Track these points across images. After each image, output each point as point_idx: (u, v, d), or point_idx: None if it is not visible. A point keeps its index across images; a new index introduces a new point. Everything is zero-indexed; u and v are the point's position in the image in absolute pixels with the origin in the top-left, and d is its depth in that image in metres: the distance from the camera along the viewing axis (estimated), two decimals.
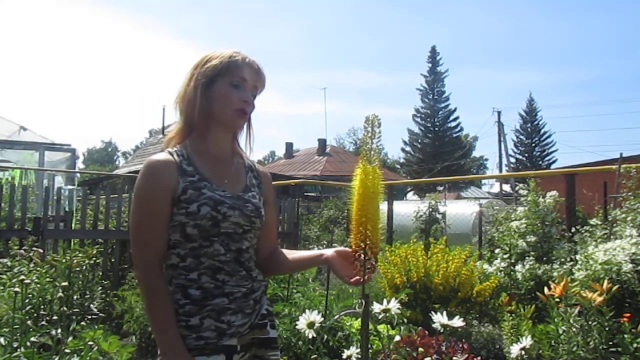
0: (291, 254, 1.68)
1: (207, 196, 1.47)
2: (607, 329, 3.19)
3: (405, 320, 3.46)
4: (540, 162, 39.89)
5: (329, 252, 1.54)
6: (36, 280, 3.36)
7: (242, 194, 1.56)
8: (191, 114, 1.54)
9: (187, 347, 1.42)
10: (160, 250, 1.47)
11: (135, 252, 1.48)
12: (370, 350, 3.14)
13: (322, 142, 30.48)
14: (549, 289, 3.45)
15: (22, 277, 3.10)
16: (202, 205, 1.45)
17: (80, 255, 3.95)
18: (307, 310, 2.70)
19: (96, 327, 3.33)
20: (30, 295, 3.23)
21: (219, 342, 1.45)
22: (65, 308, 3.46)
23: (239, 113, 1.54)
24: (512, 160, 37.39)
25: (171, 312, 1.43)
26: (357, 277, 1.45)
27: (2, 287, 3.18)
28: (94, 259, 4.29)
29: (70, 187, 9.89)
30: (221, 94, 1.53)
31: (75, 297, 3.77)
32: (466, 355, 2.47)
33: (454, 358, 2.45)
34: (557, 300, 3.38)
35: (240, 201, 1.53)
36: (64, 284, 3.46)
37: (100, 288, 4.20)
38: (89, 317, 3.74)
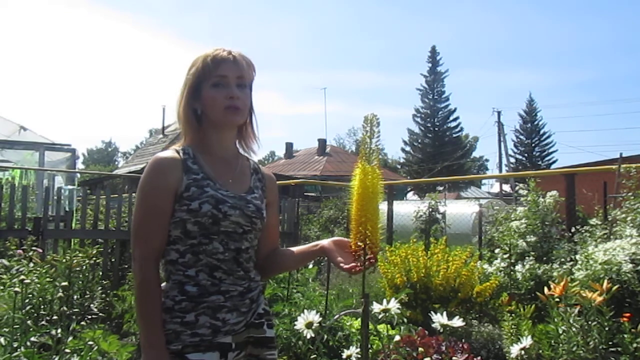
0: (289, 251, 1.70)
1: (210, 194, 1.49)
2: (607, 329, 3.19)
3: (405, 320, 3.46)
4: (540, 162, 39.87)
5: (325, 241, 1.58)
6: (36, 280, 3.36)
7: (245, 195, 1.57)
8: (185, 126, 1.57)
9: (182, 344, 1.44)
10: (159, 246, 1.49)
11: (134, 246, 1.50)
12: (370, 350, 3.13)
13: (322, 142, 30.45)
14: (549, 289, 3.45)
15: (22, 277, 3.10)
16: (204, 203, 1.47)
17: (80, 255, 3.95)
18: (305, 311, 2.70)
19: (96, 327, 3.33)
20: (30, 295, 3.23)
21: (213, 340, 1.46)
22: (65, 308, 3.46)
23: (230, 110, 1.54)
24: (512, 160, 37.41)
25: (159, 309, 1.46)
26: (353, 264, 1.47)
27: (2, 287, 3.18)
28: (94, 258, 4.28)
29: (70, 187, 9.87)
30: (208, 98, 1.54)
31: (75, 297, 3.77)
32: (466, 355, 2.47)
33: (454, 358, 2.45)
34: (557, 300, 3.38)
35: (242, 201, 1.54)
36: (64, 284, 3.46)
37: (100, 288, 4.19)
38: (89, 317, 3.74)
